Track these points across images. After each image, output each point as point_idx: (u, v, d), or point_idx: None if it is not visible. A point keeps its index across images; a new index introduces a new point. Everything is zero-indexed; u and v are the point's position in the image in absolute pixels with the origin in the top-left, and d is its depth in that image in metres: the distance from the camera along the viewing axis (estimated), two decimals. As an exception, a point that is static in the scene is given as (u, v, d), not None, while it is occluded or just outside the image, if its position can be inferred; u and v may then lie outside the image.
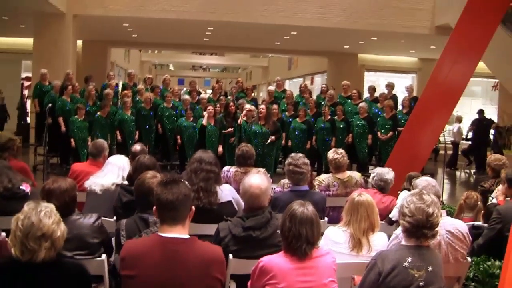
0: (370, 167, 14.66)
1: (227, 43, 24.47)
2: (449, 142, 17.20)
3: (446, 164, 14.27)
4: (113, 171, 5.85)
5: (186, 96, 14.50)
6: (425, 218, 3.53)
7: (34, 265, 3.01)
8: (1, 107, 20.57)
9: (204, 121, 12.84)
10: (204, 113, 12.98)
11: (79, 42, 20.89)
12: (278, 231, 3.78)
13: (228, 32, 20.20)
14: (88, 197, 5.75)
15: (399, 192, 6.07)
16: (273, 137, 12.06)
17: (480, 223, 5.86)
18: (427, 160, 11.18)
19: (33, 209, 3.06)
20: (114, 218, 5.10)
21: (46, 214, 3.06)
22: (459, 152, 18.27)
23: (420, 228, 3.54)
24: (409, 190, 5.07)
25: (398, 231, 4.26)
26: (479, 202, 6.36)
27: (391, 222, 5.57)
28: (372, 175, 6.46)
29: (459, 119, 18.67)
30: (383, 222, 5.37)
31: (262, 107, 12.45)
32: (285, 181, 6.23)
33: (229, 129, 12.87)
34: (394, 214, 5.49)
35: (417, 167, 8.84)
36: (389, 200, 6.00)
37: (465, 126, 19.90)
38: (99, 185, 5.67)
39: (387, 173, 6.28)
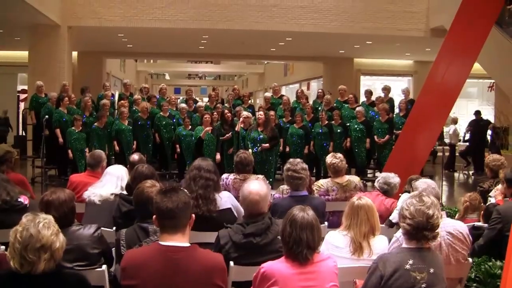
0: (369, 171, 14.71)
1: (222, 51, 24.49)
2: (445, 144, 17.19)
3: (444, 166, 14.28)
4: (111, 181, 5.83)
5: (183, 105, 14.51)
6: (426, 220, 3.52)
7: (34, 277, 2.99)
8: (4, 120, 20.61)
9: (202, 135, 12.79)
10: (207, 128, 12.89)
11: (75, 54, 20.89)
12: (279, 237, 3.76)
13: (223, 40, 20.21)
14: (87, 208, 5.72)
15: (400, 194, 6.07)
16: (265, 145, 12.03)
17: (480, 223, 5.87)
18: (425, 162, 11.16)
19: (31, 221, 3.05)
20: (114, 228, 5.08)
21: (44, 225, 3.05)
22: (456, 154, 18.30)
23: (421, 230, 3.53)
24: (409, 192, 5.07)
25: (399, 233, 4.26)
26: (482, 204, 6.38)
27: (391, 225, 5.57)
28: (377, 178, 6.48)
29: (455, 121, 18.70)
30: (383, 225, 5.37)
31: (261, 113, 12.42)
32: (284, 187, 6.21)
33: (227, 135, 12.85)
34: (394, 217, 5.48)
35: (415, 169, 8.84)
36: (390, 203, 5.99)
37: (462, 127, 19.95)
38: (98, 195, 5.65)
39: (393, 177, 6.31)
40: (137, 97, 14.78)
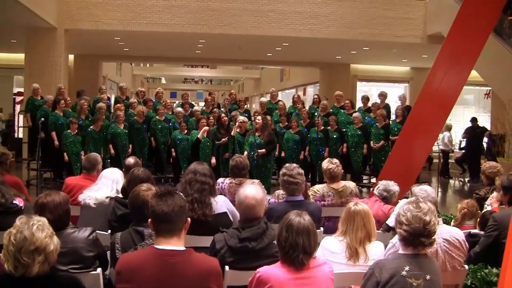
0: (364, 177, 14.71)
1: (219, 56, 24.52)
2: (439, 151, 17.18)
3: (439, 173, 14.32)
4: (107, 185, 5.83)
5: (179, 109, 14.48)
6: (422, 226, 3.51)
7: (28, 280, 2.97)
8: (7, 122, 20.59)
9: (200, 135, 12.75)
10: (205, 128, 12.86)
11: (71, 57, 20.90)
12: (275, 241, 3.75)
13: (220, 45, 20.23)
14: (82, 211, 5.73)
15: (399, 200, 6.05)
16: (261, 150, 11.98)
17: (476, 230, 5.86)
18: (421, 169, 11.15)
19: (25, 223, 3.03)
20: (109, 231, 5.07)
21: (38, 227, 3.03)
22: (450, 160, 18.34)
23: (417, 236, 3.51)
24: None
25: (395, 239, 4.24)
26: (479, 211, 6.39)
27: (388, 229, 5.56)
28: (377, 186, 6.48)
29: (449, 128, 18.66)
30: (379, 231, 5.36)
31: (258, 118, 12.41)
32: (280, 192, 6.21)
33: (223, 139, 12.83)
34: (391, 220, 5.47)
35: (411, 176, 8.84)
36: (387, 208, 5.98)
37: (458, 134, 19.97)
38: (93, 198, 5.65)
39: (393, 185, 6.33)
40: (133, 101, 14.76)
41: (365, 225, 4.36)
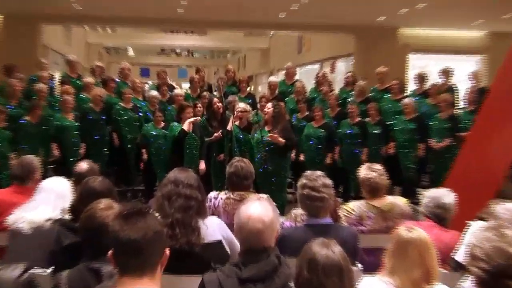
0: (421, 190, 14.64)
1: (210, 17, 24.50)
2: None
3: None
4: (48, 201, 5.82)
5: (154, 93, 14.48)
6: (508, 264, 3.46)
7: None
8: None
9: (187, 127, 12.46)
10: (193, 118, 12.74)
11: (-2, 17, 20.97)
12: (291, 283, 3.72)
13: (211, 1, 20.19)
14: (11, 239, 5.70)
15: (468, 222, 5.98)
16: (278, 137, 11.41)
17: None
18: (503, 179, 11.10)
19: None
20: (51, 269, 5.03)
21: None
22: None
23: (501, 277, 3.49)
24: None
25: (468, 283, 4.20)
26: None
27: (457, 267, 5.50)
28: (424, 201, 6.41)
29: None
30: (443, 270, 5.32)
31: (268, 105, 12.28)
32: (298, 211, 6.20)
33: (216, 134, 12.67)
34: (461, 254, 5.41)
35: (489, 189, 8.79)
36: (450, 236, 5.93)
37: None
38: (27, 221, 5.63)
39: (446, 195, 6.25)
40: (87, 81, 14.76)
41: (423, 261, 4.33)
